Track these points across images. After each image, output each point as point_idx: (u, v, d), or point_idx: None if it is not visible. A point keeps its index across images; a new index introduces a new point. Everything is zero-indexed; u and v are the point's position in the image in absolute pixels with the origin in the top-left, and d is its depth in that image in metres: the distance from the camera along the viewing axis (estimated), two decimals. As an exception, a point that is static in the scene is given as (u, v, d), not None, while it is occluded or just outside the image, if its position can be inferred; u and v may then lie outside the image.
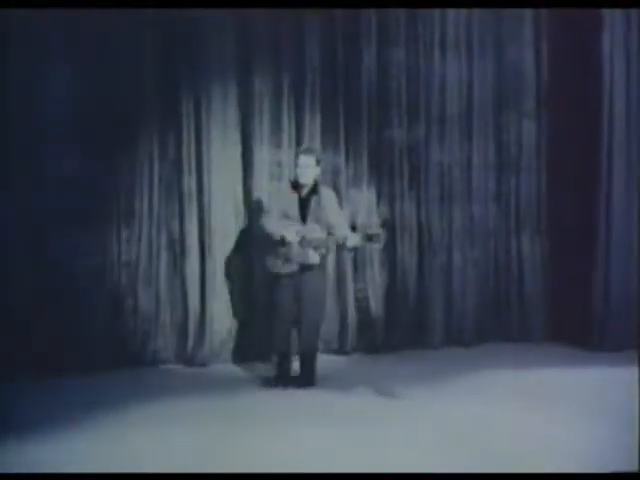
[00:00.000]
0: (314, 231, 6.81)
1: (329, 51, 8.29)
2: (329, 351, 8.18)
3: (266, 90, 8.11)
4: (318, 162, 6.95)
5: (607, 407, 6.16)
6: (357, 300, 8.41)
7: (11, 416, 6.02)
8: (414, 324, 8.61)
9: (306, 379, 6.91)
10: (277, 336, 7.00)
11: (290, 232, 6.77)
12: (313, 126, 8.28)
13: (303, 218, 6.87)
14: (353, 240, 6.59)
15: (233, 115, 8.03)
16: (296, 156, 7.08)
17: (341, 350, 8.26)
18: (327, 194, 7.00)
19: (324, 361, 7.94)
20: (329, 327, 8.22)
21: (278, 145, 8.15)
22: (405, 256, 8.58)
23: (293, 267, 6.82)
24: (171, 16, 7.70)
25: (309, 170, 6.88)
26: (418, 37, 8.61)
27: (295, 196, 6.92)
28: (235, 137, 8.02)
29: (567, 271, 8.77)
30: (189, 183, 7.89)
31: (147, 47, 7.75)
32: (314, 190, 6.92)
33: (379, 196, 8.53)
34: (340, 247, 7.17)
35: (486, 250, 8.88)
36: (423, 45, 8.63)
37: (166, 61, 7.83)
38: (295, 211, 6.90)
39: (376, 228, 6.99)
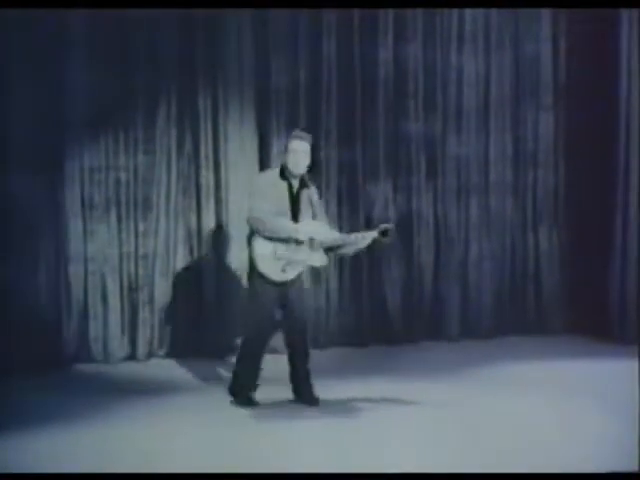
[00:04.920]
0: (321, 229, 6.09)
1: (346, 45, 8.31)
2: (346, 344, 8.24)
3: (283, 84, 8.14)
4: (310, 150, 6.12)
5: (624, 400, 6.13)
6: (373, 293, 8.43)
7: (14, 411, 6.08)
8: (431, 317, 8.64)
9: (309, 398, 6.23)
10: (254, 340, 6.15)
11: (301, 232, 5.99)
12: (330, 120, 8.31)
13: (294, 214, 6.06)
14: (367, 239, 6.06)
15: (250, 109, 8.08)
16: (287, 142, 6.15)
17: (357, 342, 8.29)
18: (313, 189, 6.23)
19: (341, 353, 8.03)
20: (346, 320, 8.29)
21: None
22: (422, 249, 8.61)
23: (297, 271, 6.06)
24: (189, 13, 7.74)
25: (304, 157, 6.05)
26: (435, 31, 8.62)
27: (285, 188, 6.06)
28: (252, 131, 8.07)
29: (584, 264, 8.77)
30: (206, 177, 7.95)
31: (165, 44, 7.82)
32: (304, 183, 6.14)
33: (395, 189, 8.54)
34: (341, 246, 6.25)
35: (503, 243, 8.88)
36: (440, 39, 8.64)
37: (184, 57, 7.89)
38: (286, 206, 6.04)
39: (389, 224, 6.26)
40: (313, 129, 8.19)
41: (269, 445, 5.32)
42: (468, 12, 8.63)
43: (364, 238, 6.10)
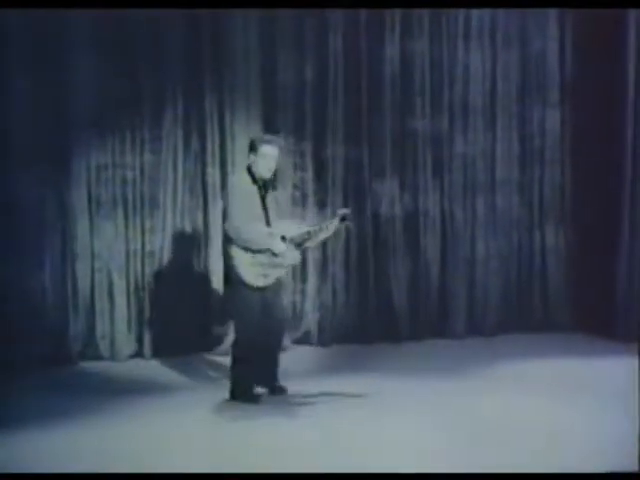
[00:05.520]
0: (291, 227, 6.24)
1: (352, 43, 8.31)
2: (351, 341, 8.25)
3: (289, 83, 8.16)
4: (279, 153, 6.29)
5: (628, 399, 6.12)
6: (379, 290, 8.42)
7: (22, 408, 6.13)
8: (437, 314, 8.64)
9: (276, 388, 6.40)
10: (245, 346, 6.17)
11: (278, 241, 6.06)
12: (336, 118, 8.31)
13: (266, 218, 6.17)
14: (330, 228, 6.17)
15: (256, 108, 8.10)
16: (255, 145, 6.19)
17: (363, 340, 8.28)
18: (278, 189, 6.47)
19: (346, 351, 8.04)
20: (351, 317, 8.32)
21: (302, 137, 8.21)
22: (428, 247, 8.61)
23: (277, 274, 6.18)
24: (195, 13, 7.75)
25: (273, 162, 6.17)
26: (442, 28, 8.59)
27: (256, 192, 6.15)
28: (258, 129, 8.05)
29: (591, 262, 8.74)
30: (213, 176, 7.97)
31: (171, 43, 7.85)
32: (269, 185, 6.24)
33: (402, 187, 8.54)
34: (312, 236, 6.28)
35: (509, 241, 8.86)
36: (447, 36, 8.61)
37: (190, 55, 7.92)
38: (259, 209, 6.13)
39: (346, 209, 6.46)
40: (319, 127, 8.29)
41: (274, 443, 5.34)
42: (475, 10, 8.60)
43: (327, 228, 6.19)
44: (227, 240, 6.07)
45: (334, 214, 6.72)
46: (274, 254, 6.05)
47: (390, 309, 8.46)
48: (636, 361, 6.66)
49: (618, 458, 4.69)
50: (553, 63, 8.85)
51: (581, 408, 6.03)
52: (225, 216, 6.14)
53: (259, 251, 6.02)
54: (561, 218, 8.93)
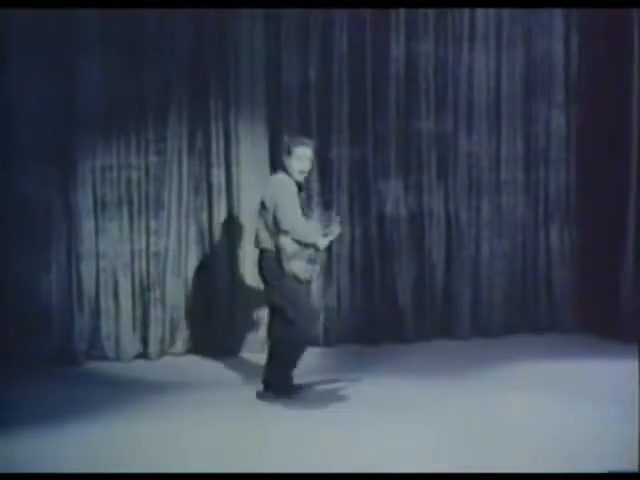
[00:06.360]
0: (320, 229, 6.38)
1: (357, 43, 8.30)
2: (357, 342, 8.24)
3: (294, 83, 8.16)
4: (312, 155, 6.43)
5: (631, 399, 6.11)
6: (384, 291, 8.41)
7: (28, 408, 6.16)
8: (442, 315, 8.63)
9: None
10: (306, 338, 6.33)
11: (321, 238, 6.25)
12: (341, 118, 8.31)
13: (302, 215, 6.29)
14: (335, 232, 6.34)
15: (261, 108, 8.10)
16: (290, 147, 6.32)
17: (368, 341, 8.27)
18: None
19: (352, 352, 8.04)
20: (357, 318, 8.31)
21: (307, 137, 8.19)
22: (433, 247, 8.59)
23: (315, 270, 6.54)
24: (201, 13, 7.78)
25: (308, 163, 6.35)
26: (447, 28, 8.57)
27: (296, 189, 6.26)
28: (263, 130, 8.09)
29: (596, 262, 8.73)
30: (218, 176, 7.98)
31: (176, 43, 7.85)
32: (301, 186, 6.37)
33: (407, 187, 8.54)
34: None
35: (514, 241, 8.83)
36: (452, 36, 8.60)
37: (195, 56, 7.92)
38: (300, 206, 6.27)
39: (336, 216, 6.79)
40: (324, 127, 8.27)
41: (278, 442, 5.37)
42: (480, 10, 8.59)
43: (333, 231, 6.31)
44: (279, 233, 6.11)
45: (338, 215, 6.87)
46: (317, 249, 6.19)
47: (395, 309, 8.44)
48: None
49: (618, 458, 4.70)
50: (558, 63, 8.82)
51: (583, 408, 6.02)
52: (275, 210, 6.13)
53: (306, 245, 6.12)
54: (566, 218, 8.90)
